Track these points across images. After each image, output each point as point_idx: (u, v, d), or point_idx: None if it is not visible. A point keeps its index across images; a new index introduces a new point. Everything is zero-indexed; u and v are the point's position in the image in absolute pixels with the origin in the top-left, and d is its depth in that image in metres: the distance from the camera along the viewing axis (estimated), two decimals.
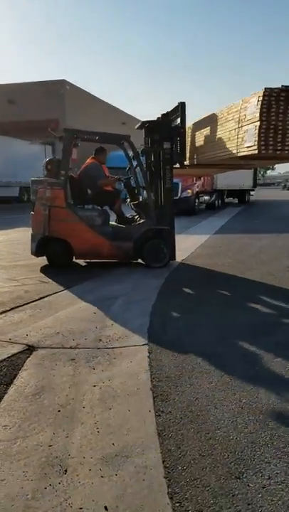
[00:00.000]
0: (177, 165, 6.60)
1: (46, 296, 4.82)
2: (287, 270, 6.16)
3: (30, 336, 3.57)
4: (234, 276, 5.87)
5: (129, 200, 6.94)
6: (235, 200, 24.63)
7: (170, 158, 6.36)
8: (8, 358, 3.12)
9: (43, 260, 6.88)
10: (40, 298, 4.75)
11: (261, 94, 4.79)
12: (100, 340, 3.48)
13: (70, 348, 3.33)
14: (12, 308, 4.35)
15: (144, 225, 6.40)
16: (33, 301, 4.62)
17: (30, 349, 3.30)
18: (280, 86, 4.81)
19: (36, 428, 2.25)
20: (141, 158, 6.51)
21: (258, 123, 4.79)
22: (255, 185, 25.25)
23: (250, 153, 5.05)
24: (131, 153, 6.61)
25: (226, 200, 23.05)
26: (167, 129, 6.41)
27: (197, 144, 6.92)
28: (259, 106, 4.78)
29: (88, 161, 7.04)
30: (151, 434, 2.17)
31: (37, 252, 6.36)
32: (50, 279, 5.62)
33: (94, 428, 2.24)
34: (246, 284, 5.48)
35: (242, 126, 5.23)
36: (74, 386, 2.70)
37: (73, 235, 6.14)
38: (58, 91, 28.58)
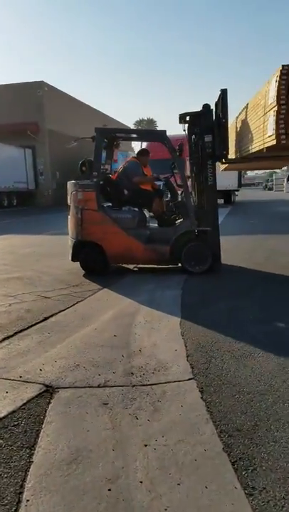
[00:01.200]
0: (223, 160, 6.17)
1: (52, 316, 4.15)
2: None
3: (44, 371, 2.91)
4: (258, 284, 5.32)
5: (171, 200, 6.50)
6: (221, 201, 24.23)
7: (212, 152, 5.84)
8: (24, 405, 2.46)
9: (36, 271, 6.23)
10: (46, 318, 4.08)
11: (278, 73, 4.16)
12: (132, 373, 2.85)
13: (99, 386, 2.69)
14: (15, 333, 3.67)
15: (183, 227, 5.95)
16: (38, 323, 3.95)
17: (49, 390, 2.65)
18: None
19: None
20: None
21: (276, 108, 4.18)
22: (240, 185, 24.95)
23: (269, 144, 4.45)
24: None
25: None
26: (208, 121, 5.85)
27: (239, 136, 6.38)
28: (276, 87, 4.16)
29: (128, 159, 6.69)
30: None
31: (74, 257, 6.08)
32: (51, 294, 4.95)
33: None
34: (276, 290, 4.93)
35: (265, 113, 4.66)
36: (118, 446, 2.06)
37: (106, 238, 5.84)
38: (35, 93, 27.67)
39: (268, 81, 4.60)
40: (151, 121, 63.03)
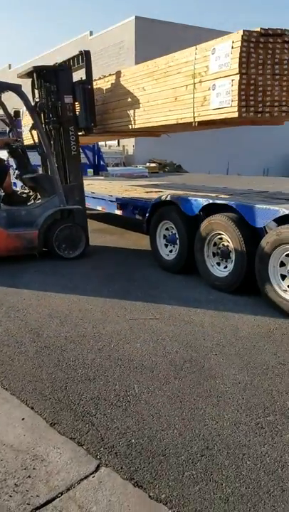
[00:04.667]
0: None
1: None
2: None
3: None
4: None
5: (17, 172, 5.38)
6: None
7: (73, 116, 5.04)
8: None
9: None
10: None
11: (239, 38, 3.69)
12: None
13: None
14: None
15: (50, 206, 5.01)
16: None
17: None
18: (257, 29, 3.78)
19: None
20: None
21: (238, 77, 3.71)
22: None
23: (222, 116, 3.95)
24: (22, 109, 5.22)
25: None
26: (68, 81, 5.04)
27: (114, 107, 5.46)
28: (237, 54, 3.70)
29: None
30: None
31: None
32: None
33: None
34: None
35: (201, 82, 4.12)
36: None
37: None
38: None
39: (198, 46, 4.10)
40: None
